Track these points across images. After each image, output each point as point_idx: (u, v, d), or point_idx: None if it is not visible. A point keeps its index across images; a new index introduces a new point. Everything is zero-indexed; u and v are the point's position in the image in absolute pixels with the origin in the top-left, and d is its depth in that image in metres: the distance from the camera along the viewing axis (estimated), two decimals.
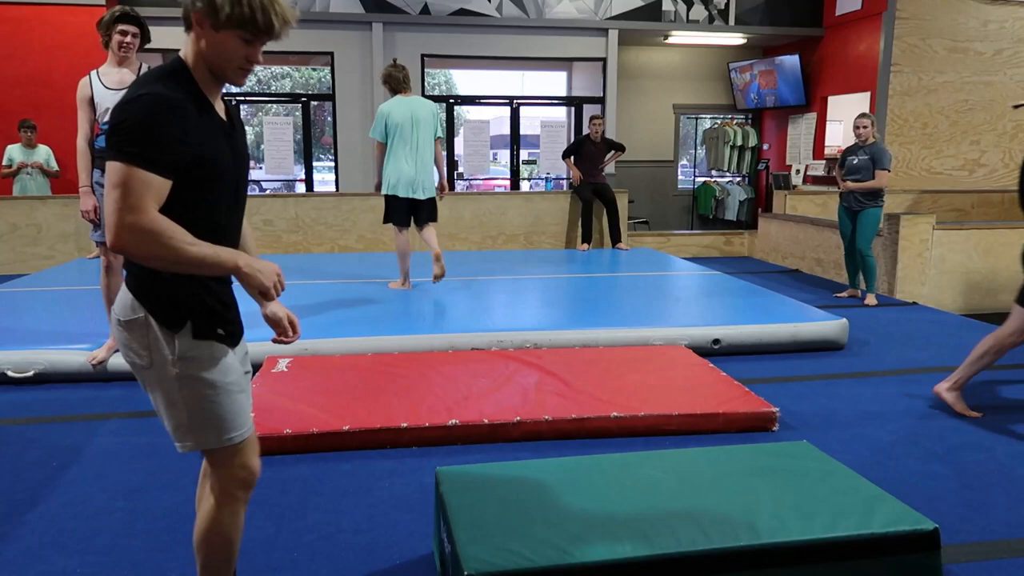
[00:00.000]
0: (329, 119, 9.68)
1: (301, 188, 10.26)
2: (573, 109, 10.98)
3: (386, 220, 5.83)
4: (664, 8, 9.93)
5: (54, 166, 8.06)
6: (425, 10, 9.38)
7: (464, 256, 7.78)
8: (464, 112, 14.69)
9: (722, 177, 12.11)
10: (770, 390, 3.96)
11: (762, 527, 2.03)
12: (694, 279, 6.54)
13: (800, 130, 10.91)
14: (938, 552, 2.07)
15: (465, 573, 1.83)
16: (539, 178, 11.51)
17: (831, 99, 10.39)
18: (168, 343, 1.65)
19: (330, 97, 9.75)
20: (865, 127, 6.23)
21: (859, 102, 9.56)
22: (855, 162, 6.25)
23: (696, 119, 12.57)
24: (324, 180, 14.85)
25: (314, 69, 19.31)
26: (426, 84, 10.01)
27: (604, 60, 10.00)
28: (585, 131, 8.98)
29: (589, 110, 10.41)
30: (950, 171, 9.69)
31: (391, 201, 5.73)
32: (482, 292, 5.88)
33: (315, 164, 11.28)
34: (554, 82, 12.35)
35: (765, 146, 11.83)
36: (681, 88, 11.72)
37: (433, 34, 9.54)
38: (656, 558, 1.91)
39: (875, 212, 6.26)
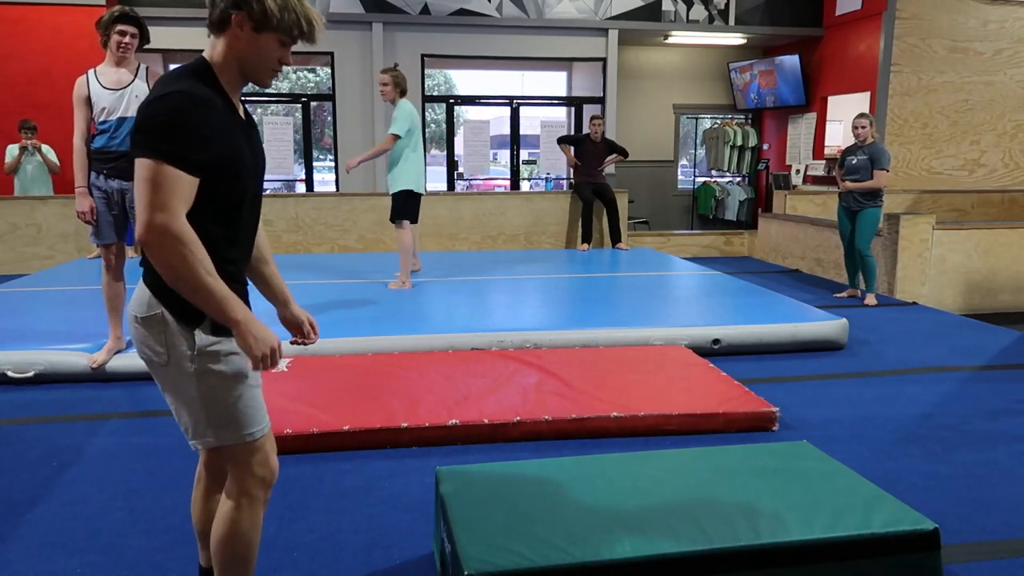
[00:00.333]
0: (329, 119, 9.68)
1: (301, 188, 10.27)
2: (573, 109, 10.99)
3: (402, 216, 5.83)
4: (664, 8, 9.93)
5: (55, 159, 8.05)
6: (425, 10, 9.38)
7: (464, 256, 7.78)
8: (464, 112, 14.69)
9: (722, 177, 12.11)
10: (770, 390, 3.96)
11: (762, 527, 2.03)
12: (694, 279, 6.54)
13: (800, 130, 10.91)
14: (938, 552, 2.07)
15: (465, 573, 1.83)
16: (539, 178, 11.51)
17: (831, 99, 10.40)
18: (186, 339, 1.64)
19: (330, 97, 9.75)
20: (864, 127, 6.23)
21: (859, 102, 9.57)
22: (854, 162, 6.25)
23: (696, 119, 12.57)
24: (324, 180, 14.85)
25: (311, 70, 19.31)
26: (426, 84, 10.00)
27: (604, 60, 10.00)
28: (585, 131, 8.98)
29: (589, 110, 10.41)
30: (950, 171, 9.69)
31: (412, 198, 5.84)
32: (482, 292, 5.88)
33: (315, 164, 11.28)
34: (554, 82, 12.34)
35: (765, 146, 11.83)
36: (681, 88, 11.72)
37: (433, 34, 9.54)
38: (656, 558, 1.91)
39: (874, 212, 6.26)
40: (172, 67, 10.31)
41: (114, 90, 3.85)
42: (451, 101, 11.22)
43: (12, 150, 7.90)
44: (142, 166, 1.54)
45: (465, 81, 21.21)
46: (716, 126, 11.97)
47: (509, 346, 4.43)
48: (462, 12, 9.46)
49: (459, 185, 11.61)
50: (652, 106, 11.64)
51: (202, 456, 1.91)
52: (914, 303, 6.47)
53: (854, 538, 2.01)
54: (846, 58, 9.90)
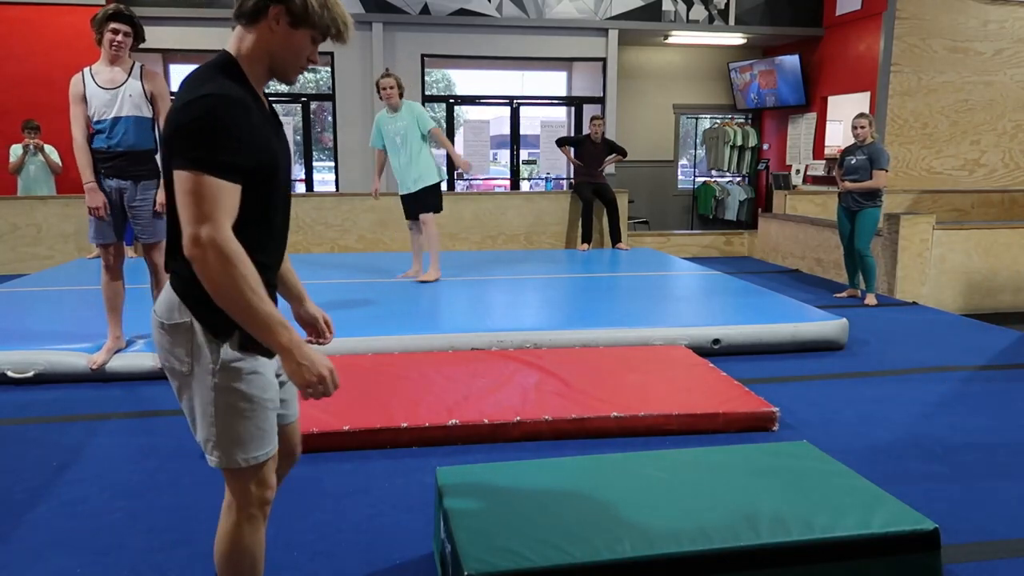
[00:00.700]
0: (329, 119, 9.68)
1: (301, 188, 10.27)
2: (573, 109, 10.99)
3: (436, 209, 6.17)
4: (664, 8, 9.93)
5: (57, 160, 8.05)
6: (425, 10, 9.38)
7: (464, 256, 7.78)
8: (464, 112, 14.69)
9: (722, 177, 12.11)
10: (770, 390, 3.96)
11: (762, 527, 2.03)
12: (694, 279, 6.54)
13: (800, 130, 10.91)
14: (938, 552, 2.07)
15: (465, 573, 1.83)
16: (539, 178, 11.51)
17: (831, 99, 10.40)
18: (212, 352, 1.59)
19: (330, 97, 9.75)
20: (863, 127, 6.23)
21: (859, 102, 9.56)
22: (853, 162, 6.25)
23: (696, 119, 12.57)
24: (324, 180, 14.85)
25: (311, 70, 19.28)
26: (426, 84, 10.01)
27: (604, 60, 10.00)
28: (585, 131, 8.98)
29: (589, 110, 10.41)
30: (950, 171, 9.69)
31: (439, 189, 6.22)
32: (482, 292, 5.88)
33: (315, 164, 11.28)
34: (554, 82, 12.33)
35: (765, 146, 11.83)
36: (681, 88, 11.72)
37: (433, 34, 9.54)
38: (656, 558, 1.91)
39: (873, 212, 6.26)
40: (171, 66, 10.32)
41: (109, 89, 3.83)
42: (451, 101, 11.22)
43: (16, 150, 7.91)
44: (181, 178, 1.47)
45: (465, 81, 21.19)
46: (716, 126, 11.97)
47: (509, 346, 4.43)
48: (462, 12, 9.46)
49: (459, 185, 11.62)
50: (652, 106, 11.64)
51: None
52: (914, 303, 6.47)
53: (854, 538, 2.01)
54: (846, 58, 9.90)
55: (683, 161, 13.19)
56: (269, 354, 1.67)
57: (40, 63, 8.31)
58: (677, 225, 11.91)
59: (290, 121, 10.24)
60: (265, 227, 1.63)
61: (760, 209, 10.94)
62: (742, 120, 12.03)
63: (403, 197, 6.20)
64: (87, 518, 2.62)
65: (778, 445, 2.70)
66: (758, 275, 7.68)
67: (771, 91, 10.94)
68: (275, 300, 1.72)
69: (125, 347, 4.22)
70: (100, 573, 2.28)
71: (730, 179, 12.05)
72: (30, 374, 4.02)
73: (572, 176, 9.08)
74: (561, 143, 8.70)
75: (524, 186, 10.88)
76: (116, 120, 3.84)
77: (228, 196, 1.49)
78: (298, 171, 10.85)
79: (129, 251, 6.72)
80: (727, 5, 10.08)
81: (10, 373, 4.01)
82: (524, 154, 11.80)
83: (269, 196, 1.62)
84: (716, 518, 2.07)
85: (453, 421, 3.25)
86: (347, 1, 9.11)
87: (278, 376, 1.76)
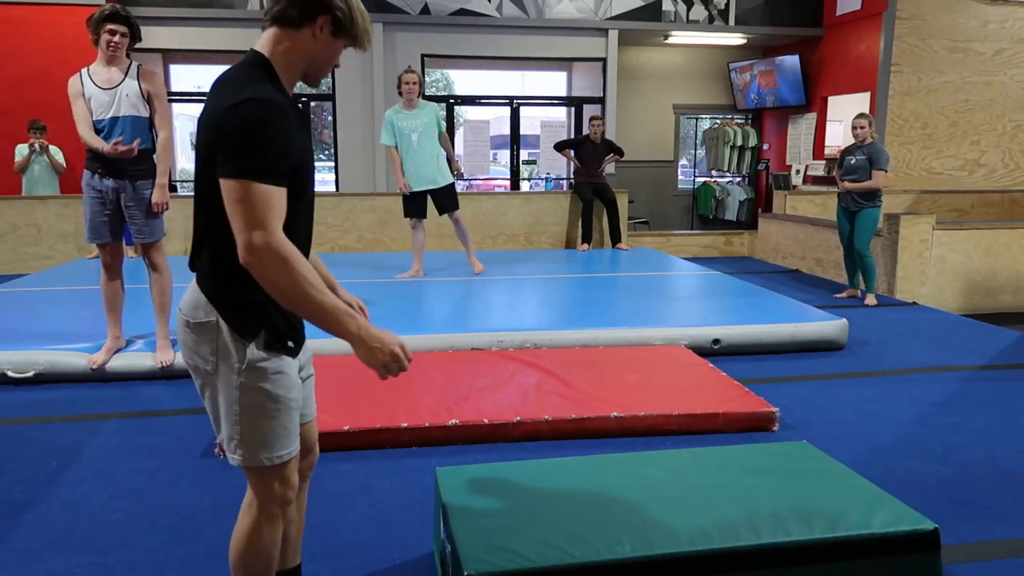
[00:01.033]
0: (329, 119, 9.68)
1: None
2: (573, 109, 10.99)
3: (458, 204, 6.48)
4: (664, 8, 9.93)
5: (62, 160, 8.06)
6: (425, 10, 9.38)
7: (464, 256, 7.77)
8: (464, 112, 14.69)
9: (722, 177, 12.11)
10: (770, 390, 3.96)
11: (762, 527, 2.03)
12: (694, 279, 6.54)
13: (800, 130, 10.91)
14: (938, 552, 2.07)
15: (465, 573, 1.83)
16: (539, 178, 11.52)
17: (831, 99, 10.40)
18: (237, 351, 1.60)
19: (330, 97, 9.75)
20: (863, 127, 6.23)
21: (859, 102, 9.56)
22: (853, 162, 6.25)
23: (696, 119, 12.57)
24: (324, 180, 14.84)
25: None
26: (426, 84, 10.00)
27: (604, 60, 10.00)
28: (585, 131, 8.98)
29: (589, 110, 10.41)
30: (950, 171, 9.69)
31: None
32: (482, 292, 5.88)
33: (315, 164, 11.27)
34: (554, 82, 12.33)
35: (765, 146, 11.83)
36: (681, 88, 11.72)
37: (433, 34, 9.54)
38: (656, 558, 1.91)
39: (873, 212, 6.26)
40: (171, 66, 10.32)
41: (106, 89, 3.83)
42: (451, 101, 11.22)
43: (21, 149, 7.91)
44: (229, 187, 1.48)
45: (465, 81, 21.19)
46: (716, 126, 11.97)
47: (509, 346, 4.43)
48: (462, 12, 9.46)
49: (459, 185, 11.59)
50: (652, 106, 11.64)
51: None
52: (914, 303, 6.47)
53: (854, 538, 2.01)
54: (846, 58, 9.90)
55: (683, 161, 13.19)
56: (294, 353, 1.70)
57: (40, 63, 8.31)
58: (677, 225, 11.91)
59: None
60: (291, 223, 1.64)
61: (760, 209, 10.95)
62: (742, 120, 12.03)
63: (414, 195, 6.24)
64: (87, 518, 2.62)
65: (778, 445, 2.70)
66: (758, 275, 7.68)
67: (771, 91, 10.94)
68: None
69: (125, 347, 4.22)
70: (100, 573, 2.28)
71: (730, 179, 12.06)
72: (30, 374, 4.02)
73: (572, 176, 9.08)
74: (560, 146, 8.69)
75: (524, 186, 10.89)
76: (114, 120, 3.85)
77: (277, 200, 1.51)
78: None
79: (129, 251, 6.72)
80: (727, 5, 10.09)
81: (10, 373, 4.01)
82: (524, 154, 11.80)
83: (298, 195, 1.62)
84: (716, 518, 2.07)
85: (453, 421, 3.25)
86: None
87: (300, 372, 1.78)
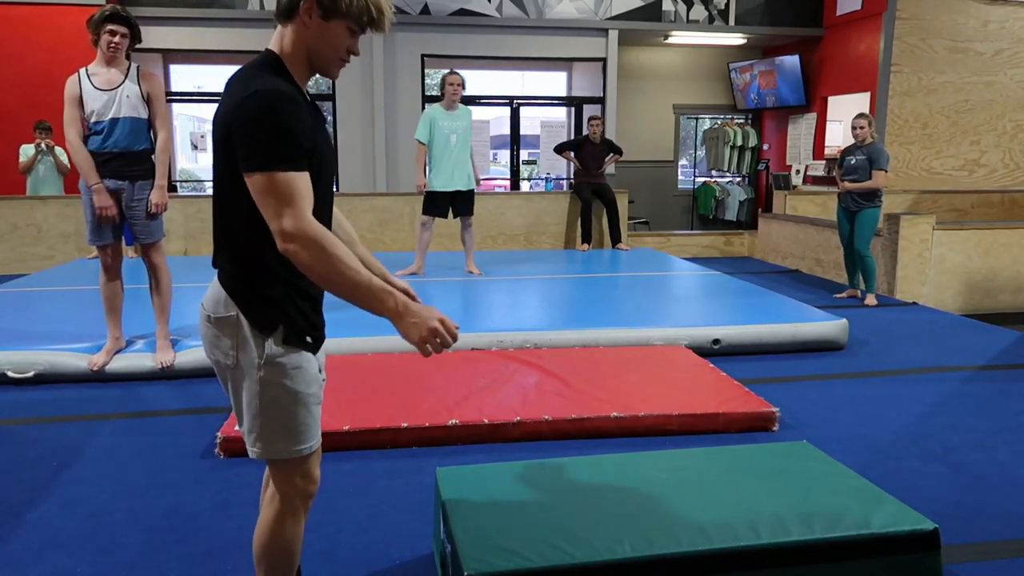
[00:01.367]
0: (329, 119, 9.69)
1: None
2: (573, 109, 10.98)
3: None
4: (664, 8, 9.93)
5: (66, 161, 8.06)
6: (425, 10, 9.38)
7: (464, 256, 7.77)
8: None
9: (722, 177, 12.11)
10: (770, 390, 3.96)
11: (762, 527, 2.03)
12: (694, 279, 6.53)
13: (800, 130, 10.91)
14: (938, 552, 2.07)
15: (465, 573, 1.83)
16: (539, 178, 11.51)
17: (831, 99, 10.40)
18: (257, 345, 1.61)
19: (330, 97, 9.75)
20: (863, 127, 6.23)
21: (859, 102, 9.57)
22: (852, 162, 6.25)
23: (696, 119, 12.57)
24: None
25: None
26: (426, 84, 10.01)
27: (604, 60, 10.00)
28: (585, 131, 8.98)
29: (589, 110, 10.41)
30: (950, 171, 9.69)
31: None
32: (482, 292, 5.88)
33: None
34: (554, 82, 12.33)
35: (765, 146, 11.83)
36: (681, 88, 11.72)
37: (433, 34, 9.54)
38: (656, 558, 1.91)
39: (872, 213, 6.26)
40: (172, 66, 10.31)
41: (105, 91, 3.82)
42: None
43: (27, 150, 7.91)
44: (253, 181, 1.50)
45: (465, 81, 21.18)
46: (716, 126, 11.97)
47: (509, 346, 4.43)
48: (462, 12, 9.46)
49: None
50: (652, 106, 11.64)
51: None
52: (914, 303, 6.48)
53: (854, 538, 2.01)
54: (846, 58, 9.90)
55: (683, 161, 13.19)
56: (313, 348, 1.70)
57: (40, 63, 8.31)
58: (677, 225, 11.91)
59: None
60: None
61: (760, 209, 10.95)
62: (742, 120, 12.03)
63: (439, 195, 6.34)
64: (87, 518, 2.62)
65: (778, 445, 2.70)
66: (758, 275, 7.68)
67: (771, 91, 10.94)
68: (321, 290, 1.73)
69: (125, 347, 4.22)
70: (100, 573, 2.28)
71: (730, 179, 12.06)
72: (30, 374, 4.02)
73: (572, 176, 9.08)
74: (560, 149, 8.68)
75: (524, 186, 10.89)
76: (114, 121, 3.84)
77: (302, 184, 1.52)
78: None
79: (129, 251, 6.72)
80: (727, 5, 10.09)
81: (10, 373, 4.01)
82: (524, 154, 11.80)
83: (315, 178, 1.61)
84: (716, 518, 2.07)
85: (453, 421, 3.25)
86: None
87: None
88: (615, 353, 4.26)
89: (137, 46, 3.96)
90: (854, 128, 6.28)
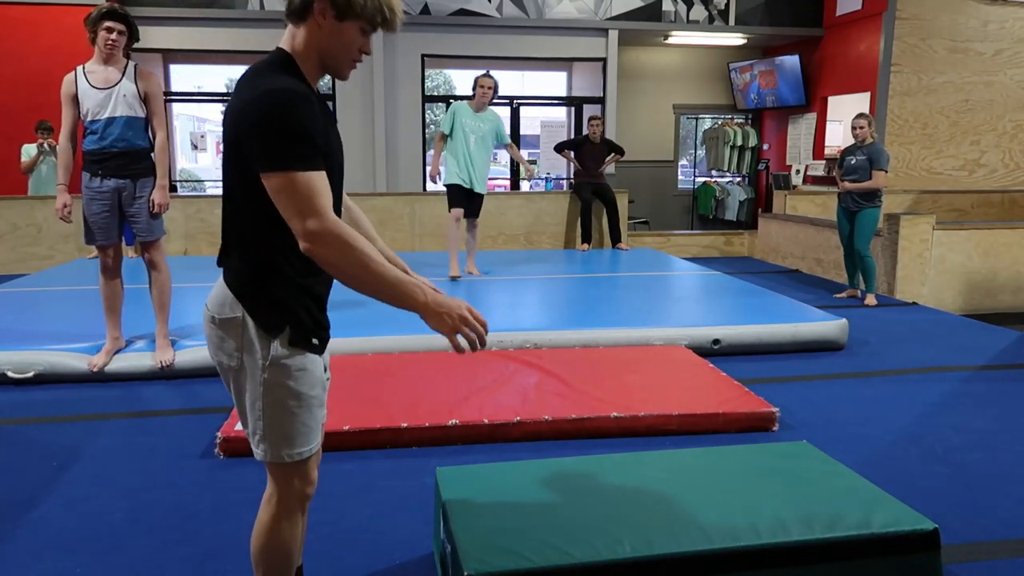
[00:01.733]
0: None
1: None
2: (573, 109, 10.98)
3: None
4: (664, 8, 9.93)
5: None
6: (425, 10, 9.38)
7: (464, 256, 7.76)
8: None
9: (722, 177, 12.11)
10: (770, 390, 3.96)
11: (762, 527, 2.03)
12: (694, 279, 6.54)
13: (800, 130, 10.91)
14: (938, 552, 2.07)
15: (465, 573, 1.83)
16: (539, 178, 11.51)
17: (831, 99, 10.40)
18: (263, 347, 1.60)
19: (330, 97, 9.75)
20: (862, 127, 6.23)
21: (859, 102, 9.56)
22: (852, 162, 6.25)
23: (696, 119, 12.57)
24: None
25: None
26: (426, 84, 10.01)
27: (604, 60, 10.00)
28: (585, 131, 8.98)
29: (589, 110, 10.41)
30: (950, 171, 9.69)
31: None
32: (483, 292, 5.88)
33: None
34: (554, 82, 12.33)
35: (765, 146, 11.83)
36: (681, 88, 11.72)
37: (433, 34, 9.54)
38: (656, 558, 1.91)
39: (872, 213, 6.26)
40: (172, 66, 10.31)
41: (101, 89, 3.82)
42: (451, 101, 11.20)
43: (29, 150, 7.91)
44: (271, 182, 1.48)
45: (465, 81, 21.20)
46: (716, 126, 11.97)
47: (509, 346, 4.43)
48: (462, 12, 9.46)
49: None
50: (652, 106, 11.64)
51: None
52: (914, 303, 6.47)
53: (854, 538, 2.01)
54: (846, 58, 9.90)
55: (683, 161, 13.19)
56: (319, 351, 1.70)
57: (40, 63, 8.30)
58: (677, 225, 11.91)
59: None
60: None
61: (760, 209, 10.95)
62: (742, 120, 12.03)
63: (462, 189, 6.32)
64: (87, 518, 2.62)
65: (778, 445, 2.70)
66: (758, 275, 7.68)
67: (771, 91, 10.94)
68: (328, 290, 1.75)
69: (124, 347, 4.22)
70: (100, 573, 2.28)
71: (730, 179, 12.05)
72: (30, 374, 4.02)
73: (572, 176, 9.07)
74: (560, 148, 8.69)
75: (524, 186, 10.89)
76: (110, 120, 3.83)
77: (320, 183, 1.51)
78: None
79: (129, 251, 6.72)
80: (727, 5, 10.09)
81: (10, 373, 4.01)
82: (524, 154, 11.79)
83: (327, 174, 1.60)
84: (716, 518, 2.07)
85: (453, 421, 3.25)
86: None
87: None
88: (615, 353, 4.26)
89: (137, 46, 3.95)
90: (854, 128, 6.28)
